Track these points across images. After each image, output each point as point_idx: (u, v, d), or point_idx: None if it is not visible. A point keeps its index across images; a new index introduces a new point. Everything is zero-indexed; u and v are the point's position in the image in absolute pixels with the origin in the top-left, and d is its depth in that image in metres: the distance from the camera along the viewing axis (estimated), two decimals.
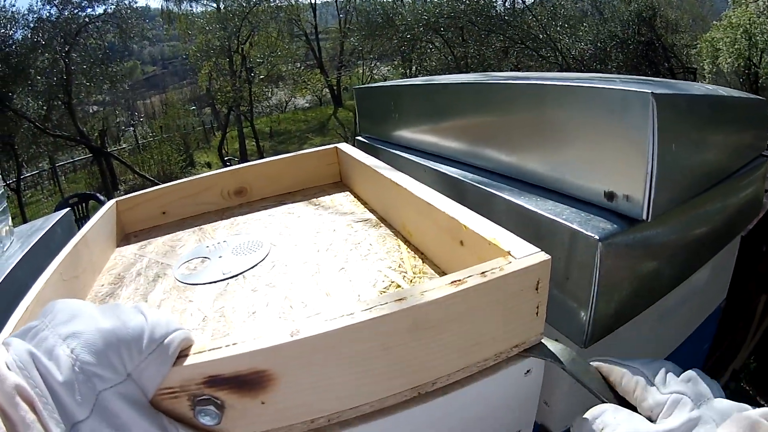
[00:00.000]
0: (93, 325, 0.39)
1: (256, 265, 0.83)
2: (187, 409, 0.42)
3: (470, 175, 0.98)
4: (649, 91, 0.64)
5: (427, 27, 10.71)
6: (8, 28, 9.26)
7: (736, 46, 9.13)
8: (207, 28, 12.45)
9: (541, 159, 0.86)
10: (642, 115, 0.66)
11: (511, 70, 9.35)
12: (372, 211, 0.98)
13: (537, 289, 0.50)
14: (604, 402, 0.47)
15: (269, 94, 14.25)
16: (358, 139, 1.59)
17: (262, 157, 1.38)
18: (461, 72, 9.30)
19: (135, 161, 12.46)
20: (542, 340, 0.53)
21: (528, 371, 0.54)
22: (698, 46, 10.28)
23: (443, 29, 10.68)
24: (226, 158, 10.25)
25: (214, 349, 0.42)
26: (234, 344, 0.42)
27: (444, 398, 0.50)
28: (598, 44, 9.92)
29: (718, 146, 0.85)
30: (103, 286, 0.86)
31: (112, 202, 1.07)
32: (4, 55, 9.00)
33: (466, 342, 0.49)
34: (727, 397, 0.42)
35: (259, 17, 12.45)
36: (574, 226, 0.71)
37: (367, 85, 1.64)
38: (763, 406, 0.39)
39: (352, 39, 13.58)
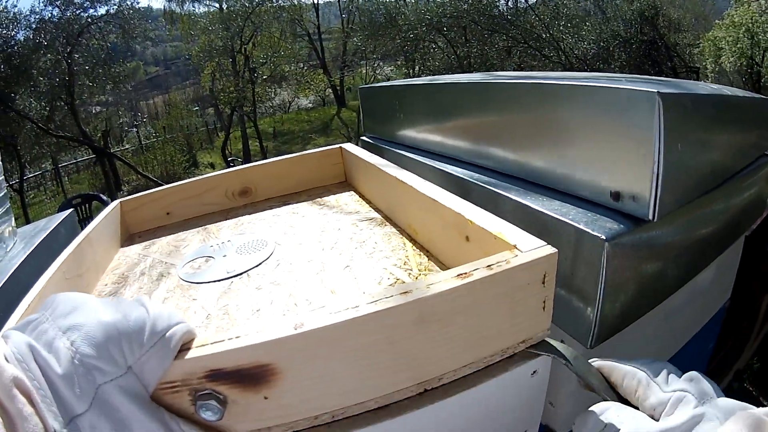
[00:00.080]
0: (94, 317, 0.39)
1: (260, 263, 0.82)
2: (188, 404, 0.41)
3: (476, 175, 0.98)
4: (656, 91, 0.64)
5: (430, 27, 10.70)
6: (10, 29, 9.27)
7: (738, 45, 9.10)
8: (210, 29, 12.46)
9: (546, 159, 0.86)
10: (648, 114, 0.65)
11: (514, 70, 9.35)
12: (377, 210, 0.98)
13: (544, 283, 0.50)
14: (607, 400, 0.47)
15: (272, 95, 14.31)
16: (362, 139, 1.59)
17: (266, 158, 1.38)
18: (464, 72, 9.29)
19: (138, 162, 12.48)
20: (547, 340, 0.53)
21: (534, 372, 0.53)
22: (701, 45, 10.24)
23: (446, 29, 10.67)
24: (229, 158, 10.25)
25: (216, 342, 0.41)
26: (237, 337, 0.41)
27: (450, 399, 0.49)
28: (601, 43, 9.90)
29: (722, 146, 0.85)
30: (106, 285, 0.86)
31: (117, 202, 1.08)
32: (6, 56, 9.02)
33: (473, 336, 0.48)
34: (730, 398, 0.42)
35: (261, 17, 12.45)
36: (581, 226, 0.71)
37: (371, 85, 1.64)
38: (766, 406, 0.39)
39: (354, 39, 13.59)
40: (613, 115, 0.71)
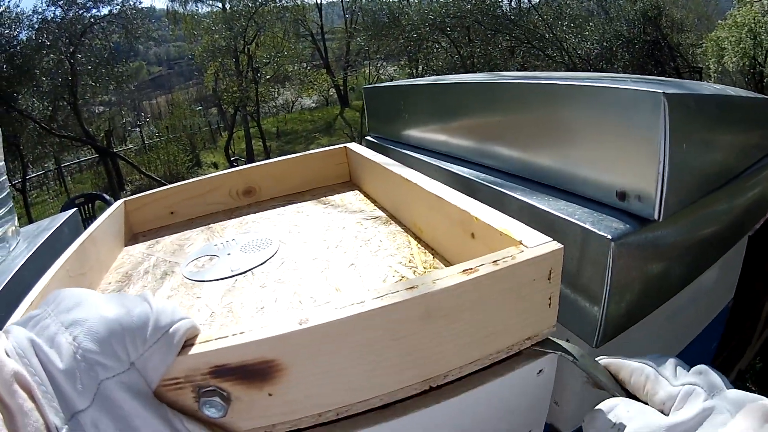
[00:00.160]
0: (96, 312, 0.38)
1: (264, 262, 0.82)
2: (191, 400, 0.41)
3: (482, 175, 0.98)
4: (661, 91, 0.64)
5: (434, 27, 10.71)
6: (13, 29, 9.30)
7: (741, 46, 9.10)
8: (213, 29, 12.49)
9: (552, 159, 0.86)
10: (654, 114, 0.65)
11: (518, 70, 9.34)
12: (382, 208, 0.98)
13: (549, 279, 0.50)
14: (616, 397, 0.47)
15: (276, 95, 14.32)
16: (366, 139, 1.59)
17: (269, 157, 1.38)
18: (467, 72, 9.29)
19: (141, 161, 12.50)
20: (553, 339, 0.53)
21: (540, 371, 0.53)
22: (703, 45, 10.24)
23: (449, 29, 10.68)
24: (232, 158, 10.25)
25: (220, 338, 0.41)
26: (241, 333, 0.41)
27: (456, 398, 0.49)
28: (604, 44, 9.90)
29: (726, 146, 0.85)
30: (110, 284, 0.86)
31: (120, 202, 1.08)
32: (8, 56, 9.05)
33: (479, 331, 0.48)
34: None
35: (264, 17, 12.48)
36: (587, 226, 0.71)
37: (376, 85, 1.63)
38: None
39: (358, 39, 13.58)
40: (619, 115, 0.71)
